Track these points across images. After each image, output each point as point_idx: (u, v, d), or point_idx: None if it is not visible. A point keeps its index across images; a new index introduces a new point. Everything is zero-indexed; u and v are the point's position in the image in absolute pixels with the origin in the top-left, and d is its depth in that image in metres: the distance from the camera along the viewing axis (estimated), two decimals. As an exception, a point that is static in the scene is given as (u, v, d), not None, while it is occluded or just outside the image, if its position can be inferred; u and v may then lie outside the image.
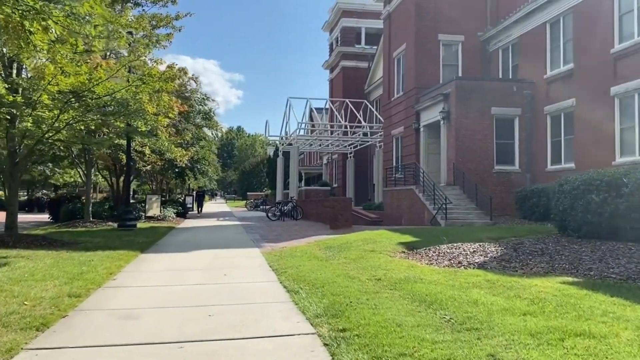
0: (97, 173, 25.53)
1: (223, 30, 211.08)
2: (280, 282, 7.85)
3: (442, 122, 23.08)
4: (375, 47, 38.47)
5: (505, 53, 25.27)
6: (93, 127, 12.82)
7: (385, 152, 30.80)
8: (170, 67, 12.68)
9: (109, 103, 12.12)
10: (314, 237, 15.42)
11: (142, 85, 12.64)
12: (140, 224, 21.58)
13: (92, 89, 12.17)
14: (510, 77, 24.03)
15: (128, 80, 12.76)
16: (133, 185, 63.85)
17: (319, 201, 23.57)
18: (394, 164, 28.64)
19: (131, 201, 30.89)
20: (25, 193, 41.91)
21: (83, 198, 34.59)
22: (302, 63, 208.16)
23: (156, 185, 46.00)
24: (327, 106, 42.58)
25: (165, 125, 13.41)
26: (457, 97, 22.29)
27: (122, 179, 26.61)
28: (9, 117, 11.76)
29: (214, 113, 29.04)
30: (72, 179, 48.23)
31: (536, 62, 22.09)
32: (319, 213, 22.81)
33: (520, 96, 22.28)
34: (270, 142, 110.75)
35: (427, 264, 9.01)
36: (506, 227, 16.25)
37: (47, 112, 12.34)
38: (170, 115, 12.55)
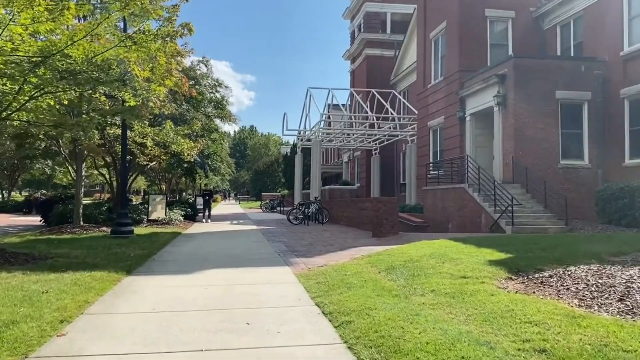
0: (91, 170, 22.25)
1: (234, 30, 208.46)
2: (351, 350, 4.37)
3: (496, 109, 19.48)
4: (402, 35, 34.89)
5: (565, 30, 21.59)
6: (66, 103, 9.49)
7: (419, 147, 27.21)
8: (169, 20, 9.33)
9: (85, 69, 8.75)
10: (357, 248, 11.93)
11: (134, 47, 9.25)
12: (140, 229, 18.22)
13: (65, 50, 8.80)
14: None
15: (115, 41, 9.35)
16: (143, 185, 60.93)
17: (352, 202, 20.05)
18: (431, 160, 25.07)
19: (135, 202, 27.69)
20: (26, 193, 38.90)
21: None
22: (316, 61, 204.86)
23: (165, 184, 42.85)
24: (349, 102, 39.12)
25: (161, 99, 9.99)
26: (516, 79, 18.69)
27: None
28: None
29: (226, 102, 25.59)
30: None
31: (608, 37, 18.42)
32: (351, 216, 19.30)
33: (590, 78, 18.63)
34: (284, 142, 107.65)
35: (578, 304, 5.46)
36: (604, 235, 12.64)
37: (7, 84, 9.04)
38: (168, 82, 9.08)
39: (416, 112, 28.90)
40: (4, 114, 9.35)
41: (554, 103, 18.64)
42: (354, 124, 34.17)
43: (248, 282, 7.84)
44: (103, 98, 9.89)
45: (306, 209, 22.43)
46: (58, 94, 9.10)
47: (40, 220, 22.78)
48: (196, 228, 20.30)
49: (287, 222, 22.25)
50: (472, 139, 21.68)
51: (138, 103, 9.74)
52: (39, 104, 9.43)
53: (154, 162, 22.97)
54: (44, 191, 39.76)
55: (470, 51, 22.55)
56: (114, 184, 22.49)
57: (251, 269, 9.10)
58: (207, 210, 24.67)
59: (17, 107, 9.28)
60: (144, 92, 9.15)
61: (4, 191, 42.72)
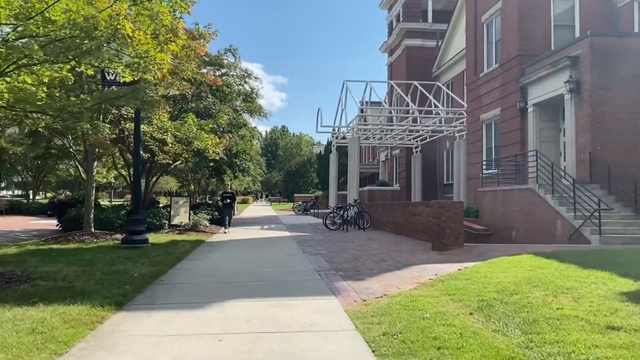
0: (113, 170, 20.32)
1: (264, 32, 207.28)
2: None
3: (567, 97, 16.69)
4: (445, 24, 32.10)
5: (646, 5, 18.60)
6: (46, 80, 7.33)
7: (469, 144, 24.42)
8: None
9: (68, 34, 6.54)
10: (418, 266, 9.42)
11: (134, 8, 7.00)
12: (158, 237, 16.14)
13: (44, 13, 6.62)
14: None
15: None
16: (174, 187, 59.52)
17: (400, 206, 17.47)
18: (484, 157, 22.29)
19: (162, 205, 25.74)
20: (52, 195, 37.66)
21: (99, 200, 29.78)
22: (348, 60, 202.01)
23: (194, 185, 41.04)
24: (387, 97, 36.52)
25: (165, 71, 7.74)
26: (593, 61, 15.85)
27: (145, 177, 21.39)
28: None
29: (256, 94, 23.25)
30: (105, 179, 43.95)
31: None
32: (399, 222, 16.73)
33: (684, 58, 15.65)
34: (316, 142, 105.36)
35: None
36: None
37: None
38: (172, 47, 6.77)
39: (464, 105, 26.14)
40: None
41: (640, 88, 15.76)
42: (394, 119, 31.58)
43: (281, 327, 5.44)
44: (90, 71, 7.69)
45: (345, 213, 19.97)
46: (34, 67, 6.96)
47: (57, 225, 20.97)
48: (222, 235, 18.08)
49: (324, 228, 19.86)
50: (536, 132, 18.84)
51: (135, 78, 7.53)
52: (13, 83, 7.28)
53: (178, 162, 20.88)
54: (68, 193, 38.48)
55: (532, 33, 19.74)
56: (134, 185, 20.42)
57: (285, 301, 6.69)
58: (227, 217, 19.88)
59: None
60: (139, 61, 6.93)
61: (28, 192, 41.72)
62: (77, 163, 15.83)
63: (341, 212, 20.02)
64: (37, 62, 6.89)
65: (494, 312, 5.58)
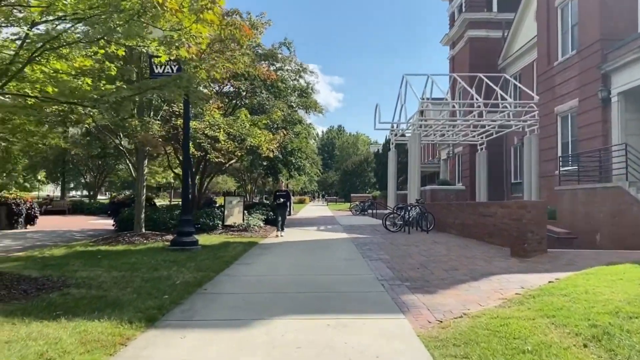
0: (164, 169, 19.92)
1: (321, 32, 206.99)
2: None
3: (662, 83, 14.66)
4: (512, 13, 30.04)
5: None
6: (76, 65, 6.57)
7: (542, 139, 22.45)
8: None
9: (95, 12, 5.73)
10: (497, 276, 8.10)
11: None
12: (211, 238, 15.47)
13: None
14: None
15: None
16: (232, 186, 59.72)
17: (469, 207, 16.00)
18: (560, 153, 20.34)
19: (216, 205, 25.31)
20: (113, 195, 38.33)
21: (154, 200, 29.76)
22: (405, 58, 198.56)
23: (251, 185, 40.71)
24: (449, 92, 34.68)
25: (204, 46, 6.79)
26: (696, 40, 13.81)
27: (199, 176, 20.94)
28: None
29: (312, 89, 22.26)
30: (164, 179, 44.41)
31: None
32: (467, 224, 15.27)
33: None
34: (372, 142, 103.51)
35: None
36: None
37: None
38: (208, 16, 5.80)
39: (535, 97, 24.16)
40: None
41: None
42: (457, 114, 29.83)
43: (340, 358, 4.35)
44: (121, 52, 6.87)
45: (406, 214, 18.65)
46: (63, 50, 6.24)
47: (113, 225, 20.86)
48: (276, 237, 17.22)
49: (383, 229, 18.62)
50: (621, 124, 16.82)
51: (171, 57, 6.69)
52: (43, 67, 6.59)
53: (233, 160, 20.28)
54: (128, 192, 39.07)
55: (615, 14, 17.70)
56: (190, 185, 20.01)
57: (344, 320, 5.60)
58: (280, 219, 17.38)
59: (15, 71, 6.49)
60: (172, 34, 6.03)
61: (90, 192, 42.78)
62: (128, 162, 15.40)
63: (402, 213, 18.71)
64: (64, 43, 6.16)
65: (616, 344, 4.26)
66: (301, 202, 70.05)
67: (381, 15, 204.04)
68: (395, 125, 30.15)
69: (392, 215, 18.96)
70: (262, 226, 19.51)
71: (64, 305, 6.08)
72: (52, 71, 6.66)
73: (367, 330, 5.24)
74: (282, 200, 17.18)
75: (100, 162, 34.62)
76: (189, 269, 9.07)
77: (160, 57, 6.50)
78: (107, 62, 8.18)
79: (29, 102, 8.04)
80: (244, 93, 18.99)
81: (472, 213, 14.91)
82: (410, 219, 18.37)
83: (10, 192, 22.71)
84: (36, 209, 22.54)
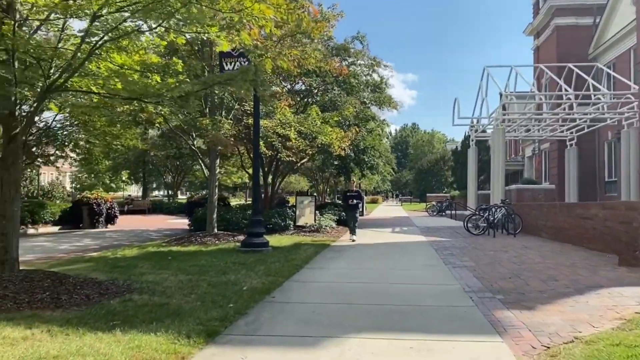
0: (237, 169, 19.80)
1: (394, 29, 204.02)
2: None
3: None
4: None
5: None
6: (136, 58, 6.19)
7: (644, 132, 20.22)
8: None
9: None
10: (607, 289, 6.95)
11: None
12: (283, 238, 15.04)
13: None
14: None
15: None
16: (305, 186, 59.74)
17: (564, 208, 14.52)
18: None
19: (288, 204, 25.03)
20: (191, 195, 39.33)
21: (228, 200, 29.96)
22: (482, 52, 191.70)
23: (323, 185, 40.33)
24: (534, 85, 32.43)
25: (269, 30, 6.20)
26: None
27: (271, 175, 20.68)
28: None
29: (386, 84, 21.27)
30: (239, 179, 45.05)
31: None
32: (562, 227, 13.79)
33: None
34: (449, 139, 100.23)
35: None
36: None
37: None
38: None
39: (633, 87, 21.88)
40: (59, 81, 6.34)
41: None
42: (543, 107, 27.77)
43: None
44: (182, 40, 6.41)
45: (490, 215, 17.32)
46: (120, 42, 5.88)
47: (188, 225, 21.07)
48: (348, 239, 16.51)
49: (464, 231, 17.40)
50: None
51: (233, 44, 6.14)
52: (109, 64, 6.28)
53: (305, 160, 19.83)
54: (204, 192, 39.96)
55: None
56: (264, 184, 19.84)
57: (429, 342, 4.77)
58: (352, 222, 15.45)
59: (77, 66, 6.22)
60: (233, 15, 5.46)
61: (169, 192, 44.12)
62: (201, 162, 15.30)
63: (486, 214, 17.40)
64: (123, 34, 5.80)
65: None
66: (374, 202, 68.95)
67: (456, 7, 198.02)
68: (475, 121, 28.53)
69: (474, 217, 17.70)
70: (335, 227, 18.90)
71: (123, 313, 5.68)
72: (116, 66, 6.35)
73: (458, 356, 4.40)
74: (354, 201, 15.56)
75: (178, 163, 35.54)
76: (257, 273, 8.55)
77: (222, 44, 5.99)
78: (174, 59, 7.85)
79: (95, 100, 7.85)
80: (315, 90, 18.45)
81: (567, 215, 13.44)
82: (495, 221, 17.04)
83: (92, 192, 23.55)
84: (116, 209, 23.22)
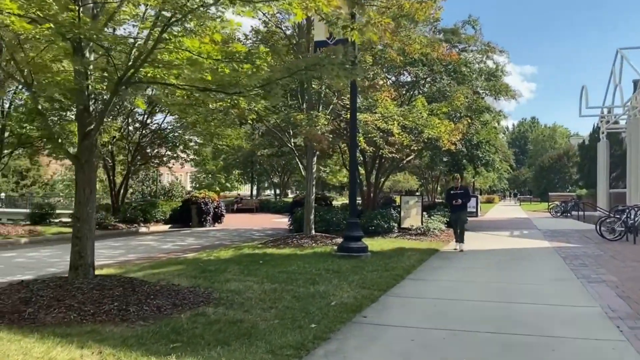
0: (340, 168, 19.00)
1: (509, 18, 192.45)
2: None
3: None
4: None
5: None
6: (206, 40, 5.49)
7: None
8: None
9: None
10: None
11: None
12: (385, 242, 13.88)
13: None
14: None
15: None
16: (414, 185, 57.81)
17: None
18: None
19: (395, 204, 23.83)
20: (298, 194, 39.48)
21: (330, 199, 29.19)
22: (609, 38, 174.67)
23: (432, 184, 38.42)
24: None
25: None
26: None
27: (374, 174, 19.61)
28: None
29: (502, 72, 19.11)
30: (345, 178, 44.44)
31: None
32: None
33: None
34: (572, 134, 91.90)
35: None
36: None
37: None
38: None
39: None
40: (131, 71, 5.82)
41: None
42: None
43: None
44: (250, 14, 5.54)
45: (628, 218, 14.85)
46: (189, 22, 5.20)
47: (288, 224, 20.69)
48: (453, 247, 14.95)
49: (596, 236, 15.09)
50: None
51: (308, 13, 5.20)
52: (174, 53, 5.65)
53: (410, 156, 18.51)
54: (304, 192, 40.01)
55: None
56: (365, 184, 18.82)
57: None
58: (457, 226, 12.74)
59: (147, 54, 5.66)
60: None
61: (276, 191, 44.62)
62: (298, 160, 14.68)
63: (623, 217, 14.95)
64: (189, 10, 5.10)
65: None
66: (489, 201, 64.81)
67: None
68: (606, 111, 25.34)
69: (609, 220, 15.30)
70: (444, 230, 17.33)
71: (189, 332, 4.95)
72: (190, 54, 5.70)
73: None
74: (459, 201, 12.72)
75: (283, 162, 35.68)
76: (350, 284, 7.54)
77: (296, 14, 5.10)
78: (262, 47, 7.13)
79: (177, 94, 7.34)
80: (422, 81, 17.06)
81: None
82: (636, 224, 14.54)
83: (200, 192, 24.04)
84: (222, 207, 23.51)
